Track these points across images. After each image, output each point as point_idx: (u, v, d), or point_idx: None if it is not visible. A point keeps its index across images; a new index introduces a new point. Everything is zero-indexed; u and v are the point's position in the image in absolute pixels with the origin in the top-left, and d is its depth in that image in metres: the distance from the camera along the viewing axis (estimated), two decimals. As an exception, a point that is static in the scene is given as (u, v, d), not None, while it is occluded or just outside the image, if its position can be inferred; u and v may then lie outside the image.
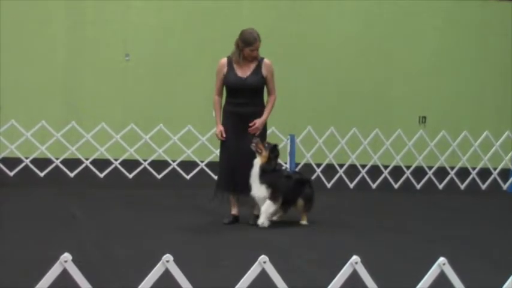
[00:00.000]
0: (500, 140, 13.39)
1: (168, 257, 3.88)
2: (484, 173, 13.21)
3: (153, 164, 12.92)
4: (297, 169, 11.97)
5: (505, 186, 13.10)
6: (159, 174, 12.69)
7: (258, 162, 8.44)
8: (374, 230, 8.72)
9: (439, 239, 8.22)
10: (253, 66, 8.64)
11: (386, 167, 12.95)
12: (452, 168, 13.11)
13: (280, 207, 8.62)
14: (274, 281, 4.00)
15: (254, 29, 8.63)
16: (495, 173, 13.20)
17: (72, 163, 12.65)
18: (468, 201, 11.77)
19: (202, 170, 12.93)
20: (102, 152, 12.84)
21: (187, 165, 12.96)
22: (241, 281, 3.97)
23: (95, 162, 12.71)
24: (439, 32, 17.51)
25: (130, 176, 12.58)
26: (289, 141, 12.74)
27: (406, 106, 17.40)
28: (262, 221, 8.48)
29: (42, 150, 12.64)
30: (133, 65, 16.31)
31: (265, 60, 8.68)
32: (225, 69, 8.67)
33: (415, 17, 17.43)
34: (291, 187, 8.58)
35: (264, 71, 8.64)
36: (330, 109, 17.08)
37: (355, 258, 4.05)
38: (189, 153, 13.11)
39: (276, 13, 16.75)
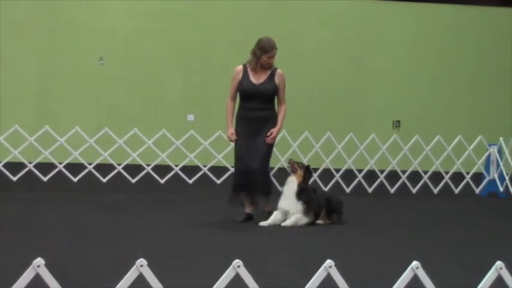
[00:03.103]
0: (473, 145, 13.49)
1: (141, 261, 3.87)
2: (457, 177, 13.29)
3: (127, 168, 12.88)
4: (271, 173, 11.98)
5: (477, 190, 13.20)
6: (133, 178, 12.66)
7: (294, 180, 9.05)
8: (349, 233, 8.76)
9: (412, 243, 8.27)
10: (267, 74, 9.12)
11: (360, 171, 13.00)
12: (425, 172, 13.18)
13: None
14: (248, 285, 4.01)
15: (271, 38, 9.10)
16: (468, 177, 13.30)
17: (45, 167, 12.57)
18: (441, 205, 11.83)
19: (176, 174, 12.91)
20: (76, 156, 12.78)
21: (162, 169, 12.94)
22: (214, 285, 3.98)
23: (68, 167, 12.64)
24: (412, 37, 17.62)
25: (105, 180, 12.53)
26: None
27: (380, 111, 17.49)
28: (289, 224, 8.92)
29: (15, 154, 12.56)
30: (108, 69, 16.26)
31: (279, 71, 9.19)
32: (240, 76, 9.15)
33: (388, 22, 17.53)
34: (318, 202, 9.24)
35: (276, 80, 9.14)
36: (304, 114, 17.12)
37: (329, 262, 4.07)
38: (163, 157, 13.08)
39: (251, 17, 16.78)
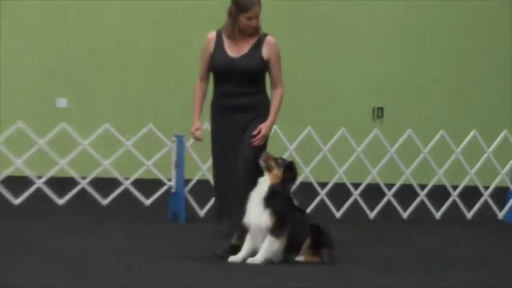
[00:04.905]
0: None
1: None
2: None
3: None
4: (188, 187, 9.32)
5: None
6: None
7: (266, 180, 6.41)
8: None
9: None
10: (251, 43, 6.59)
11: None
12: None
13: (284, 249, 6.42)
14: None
15: None
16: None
17: None
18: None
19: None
20: None
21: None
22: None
23: None
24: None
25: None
26: (175, 144, 9.41)
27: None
28: (260, 258, 6.31)
29: None
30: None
31: (269, 38, 6.62)
32: (212, 46, 6.60)
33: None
34: (301, 227, 6.48)
35: (265, 52, 6.58)
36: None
37: None
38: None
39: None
